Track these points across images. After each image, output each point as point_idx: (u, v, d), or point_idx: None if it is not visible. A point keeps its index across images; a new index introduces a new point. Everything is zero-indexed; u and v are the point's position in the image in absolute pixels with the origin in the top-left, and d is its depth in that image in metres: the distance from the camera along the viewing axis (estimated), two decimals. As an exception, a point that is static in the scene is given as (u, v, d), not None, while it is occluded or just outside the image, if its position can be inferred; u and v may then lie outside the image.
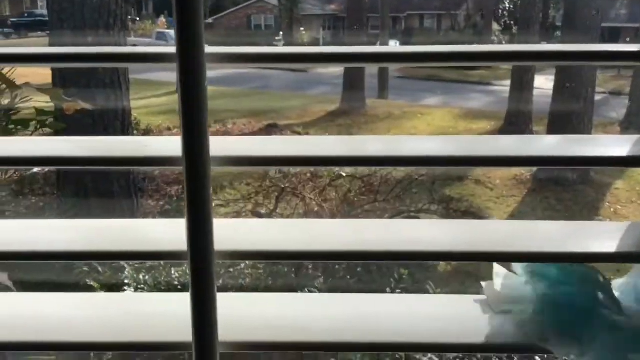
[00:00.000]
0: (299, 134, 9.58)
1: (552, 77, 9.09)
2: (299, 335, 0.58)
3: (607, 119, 10.26)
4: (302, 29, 20.20)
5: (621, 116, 10.52)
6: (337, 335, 0.58)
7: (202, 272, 0.53)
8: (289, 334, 0.58)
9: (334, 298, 0.66)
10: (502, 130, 9.93)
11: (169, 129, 9.50)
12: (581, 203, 7.13)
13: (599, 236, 0.59)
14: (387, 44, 14.31)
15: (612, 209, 7.08)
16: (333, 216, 5.00)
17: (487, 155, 0.57)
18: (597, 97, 9.98)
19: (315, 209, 5.37)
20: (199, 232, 0.53)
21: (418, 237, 0.61)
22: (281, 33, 16.63)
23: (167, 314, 0.60)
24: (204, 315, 0.54)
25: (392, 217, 5.34)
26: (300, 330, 0.58)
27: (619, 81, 14.13)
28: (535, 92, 10.07)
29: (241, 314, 0.61)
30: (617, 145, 0.55)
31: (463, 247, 0.58)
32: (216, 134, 9.37)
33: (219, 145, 0.56)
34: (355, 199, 5.43)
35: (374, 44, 14.57)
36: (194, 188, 0.52)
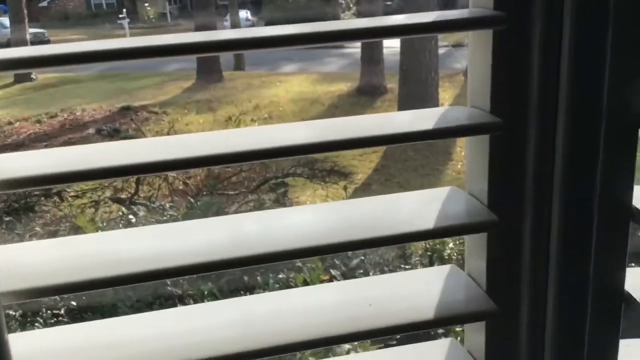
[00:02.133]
0: (156, 114, 9.20)
1: (399, 35, 9.45)
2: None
3: (452, 70, 10.89)
4: (146, 4, 19.24)
5: (464, 66, 11.23)
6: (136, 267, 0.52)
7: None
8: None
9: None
10: (358, 90, 10.21)
11: (10, 122, 8.70)
12: (435, 151, 7.55)
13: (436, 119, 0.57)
14: (237, 15, 14.07)
15: (462, 153, 7.58)
16: (199, 192, 4.87)
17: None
18: (441, 51, 10.56)
19: (180, 186, 5.20)
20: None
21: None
22: (124, 10, 15.68)
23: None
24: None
25: (259, 185, 5.32)
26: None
27: (460, 33, 15.05)
28: (384, 50, 10.43)
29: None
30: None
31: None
32: (64, 122, 8.73)
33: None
34: (220, 172, 5.33)
35: (224, 16, 14.26)
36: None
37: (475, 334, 0.62)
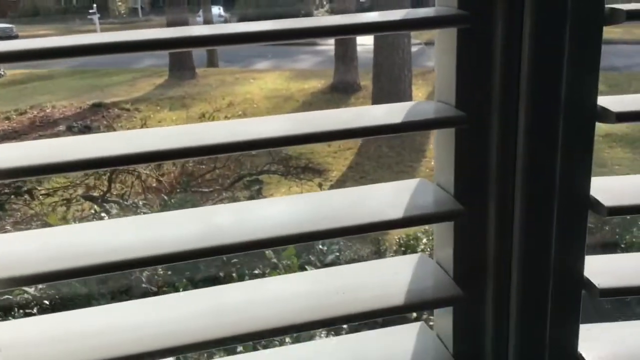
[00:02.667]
0: (128, 110, 9.10)
1: (372, 32, 9.48)
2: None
3: (425, 68, 10.99)
4: None
5: (436, 64, 11.31)
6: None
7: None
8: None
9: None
10: (332, 87, 10.24)
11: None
12: (409, 147, 7.62)
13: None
14: (209, 11, 13.98)
15: (436, 150, 7.66)
16: (173, 189, 4.85)
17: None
18: (414, 49, 10.64)
19: (154, 184, 5.16)
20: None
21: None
22: (95, 5, 15.48)
23: None
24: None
25: (234, 182, 5.31)
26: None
27: (432, 31, 15.16)
28: (358, 48, 10.47)
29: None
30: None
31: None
32: (33, 119, 8.59)
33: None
34: (194, 169, 5.31)
35: (196, 12, 14.16)
36: None
37: (444, 319, 0.65)
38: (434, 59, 0.61)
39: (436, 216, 0.59)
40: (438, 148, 0.62)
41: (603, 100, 0.59)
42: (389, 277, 0.64)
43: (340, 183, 7.02)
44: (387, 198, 0.62)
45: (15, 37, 14.96)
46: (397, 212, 0.59)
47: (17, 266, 0.52)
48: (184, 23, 11.32)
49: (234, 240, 0.56)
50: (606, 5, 0.56)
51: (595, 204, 0.61)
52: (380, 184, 0.66)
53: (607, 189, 0.62)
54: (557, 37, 0.56)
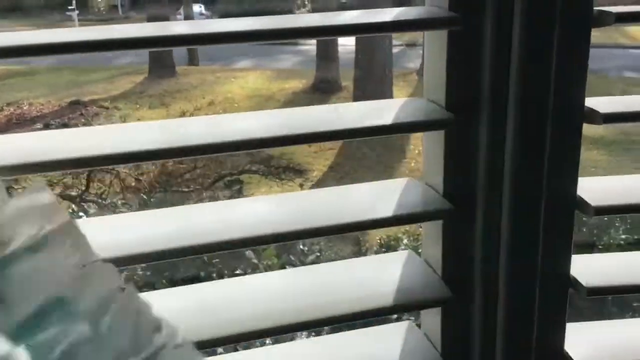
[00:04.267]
0: (107, 109, 9.01)
1: (354, 33, 9.50)
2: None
3: (406, 69, 11.05)
4: (97, -4, 18.77)
5: (418, 66, 11.39)
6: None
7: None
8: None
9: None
10: (313, 87, 10.24)
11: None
12: (390, 148, 7.65)
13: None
14: (190, 9, 13.90)
15: (416, 151, 7.72)
16: (152, 189, 4.81)
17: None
18: (395, 50, 10.70)
19: (133, 183, 5.11)
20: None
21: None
22: (74, 1, 15.27)
23: None
24: None
25: (214, 182, 5.28)
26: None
27: (414, 33, 15.24)
28: (340, 48, 10.49)
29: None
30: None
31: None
32: (10, 116, 8.45)
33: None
34: (174, 168, 5.27)
35: (178, 8, 14.05)
36: None
37: (432, 319, 0.65)
38: (424, 58, 0.61)
39: (425, 215, 0.59)
40: (427, 147, 0.62)
41: (590, 102, 0.60)
42: (376, 275, 0.64)
43: (321, 183, 7.02)
44: (377, 197, 0.62)
45: (-8, 33, 14.64)
46: (385, 211, 0.59)
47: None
48: (165, 21, 11.23)
49: (215, 239, 0.55)
50: (595, 8, 0.56)
51: (582, 204, 0.61)
52: (368, 183, 0.66)
53: (593, 189, 0.63)
54: (546, 38, 0.56)
